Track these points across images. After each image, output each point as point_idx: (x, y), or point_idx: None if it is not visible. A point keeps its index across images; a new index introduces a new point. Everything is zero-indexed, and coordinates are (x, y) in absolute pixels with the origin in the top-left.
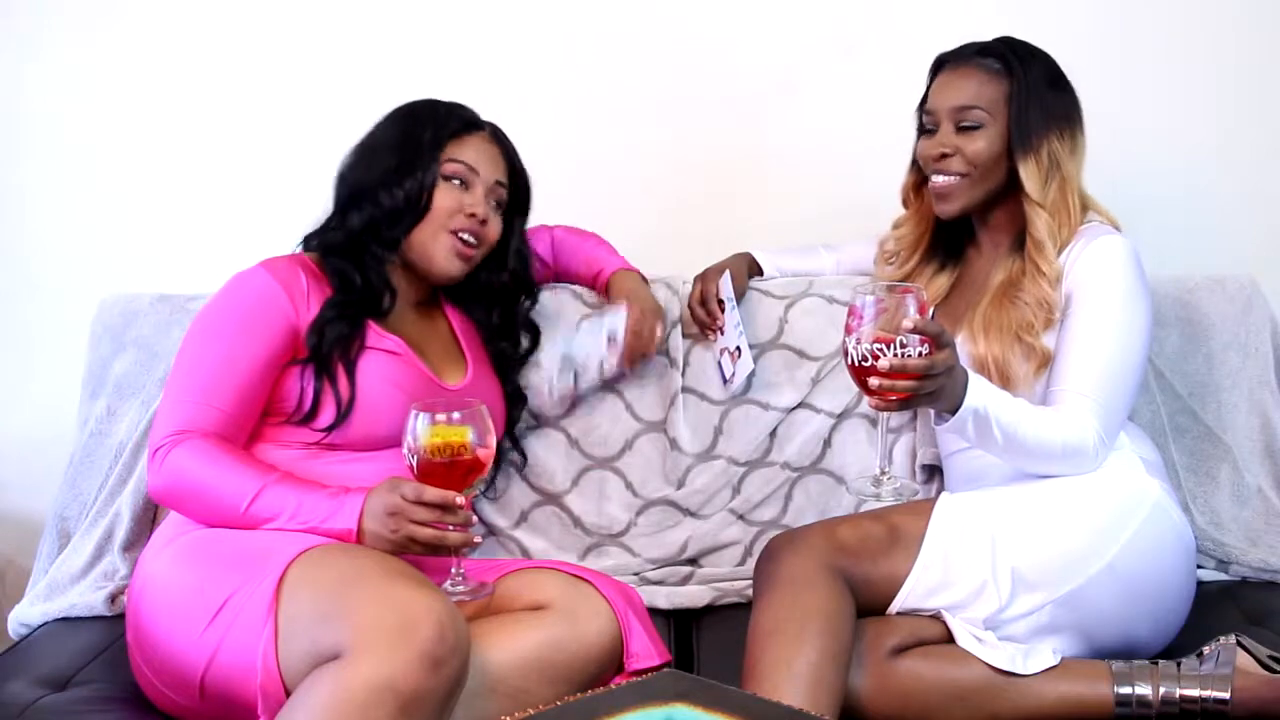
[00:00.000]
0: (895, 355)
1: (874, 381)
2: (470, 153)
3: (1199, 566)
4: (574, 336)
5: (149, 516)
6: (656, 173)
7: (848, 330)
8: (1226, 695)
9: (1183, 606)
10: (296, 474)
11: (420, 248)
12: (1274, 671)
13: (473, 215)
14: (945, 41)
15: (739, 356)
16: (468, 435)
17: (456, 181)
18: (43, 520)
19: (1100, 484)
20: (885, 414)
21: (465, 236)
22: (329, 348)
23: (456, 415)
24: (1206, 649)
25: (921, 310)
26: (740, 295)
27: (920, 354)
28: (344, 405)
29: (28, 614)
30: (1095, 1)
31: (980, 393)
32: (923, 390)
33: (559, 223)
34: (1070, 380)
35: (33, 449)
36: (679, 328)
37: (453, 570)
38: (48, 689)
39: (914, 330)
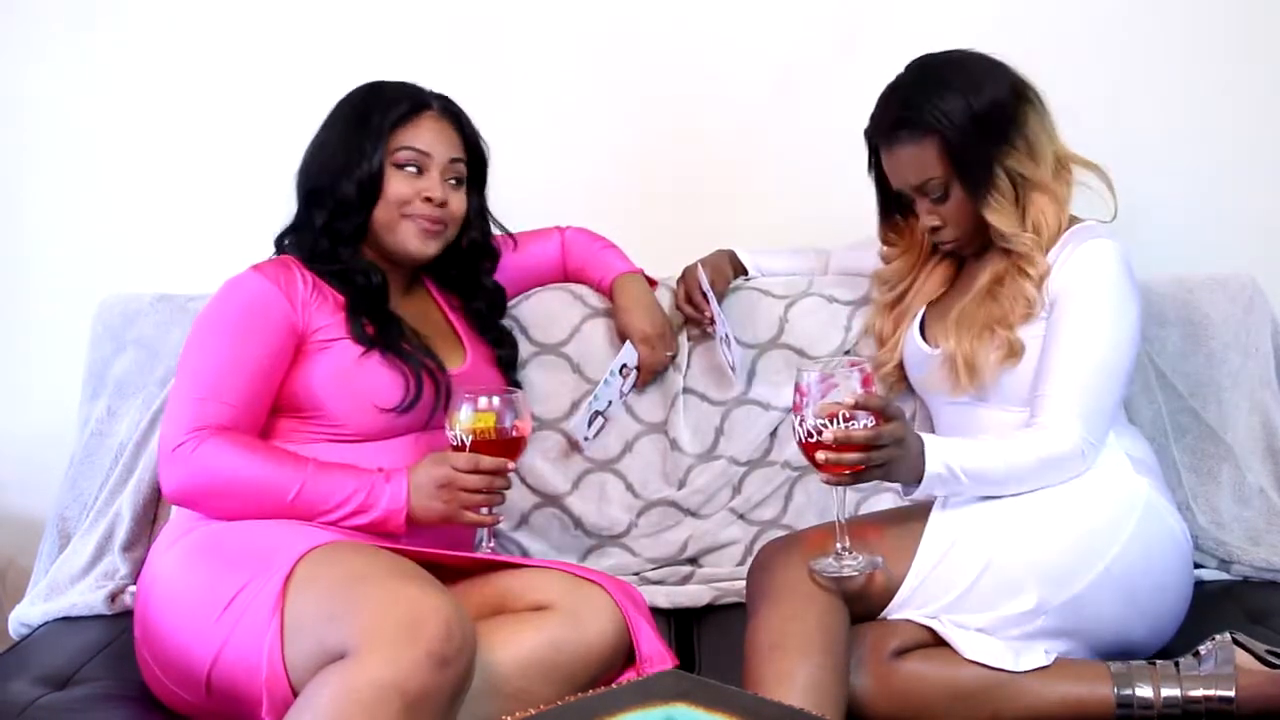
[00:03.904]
0: (839, 427)
1: (821, 455)
2: (422, 136)
3: (1200, 566)
4: (594, 391)
5: (149, 516)
6: (654, 172)
7: (795, 409)
8: (1232, 693)
9: (1180, 607)
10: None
11: (386, 234)
12: (1274, 666)
13: (429, 199)
14: (944, 41)
15: (731, 344)
16: (509, 418)
17: (410, 169)
18: (43, 520)
19: (1090, 488)
20: (841, 490)
21: (423, 224)
22: (394, 337)
23: (497, 401)
24: (1203, 648)
25: (866, 384)
26: (721, 292)
27: (865, 425)
28: (414, 386)
29: (28, 614)
30: (1094, 1)
31: (939, 454)
32: (872, 461)
33: (557, 223)
34: (1054, 385)
35: (33, 449)
36: (684, 331)
37: (482, 539)
38: (48, 688)
39: (856, 406)
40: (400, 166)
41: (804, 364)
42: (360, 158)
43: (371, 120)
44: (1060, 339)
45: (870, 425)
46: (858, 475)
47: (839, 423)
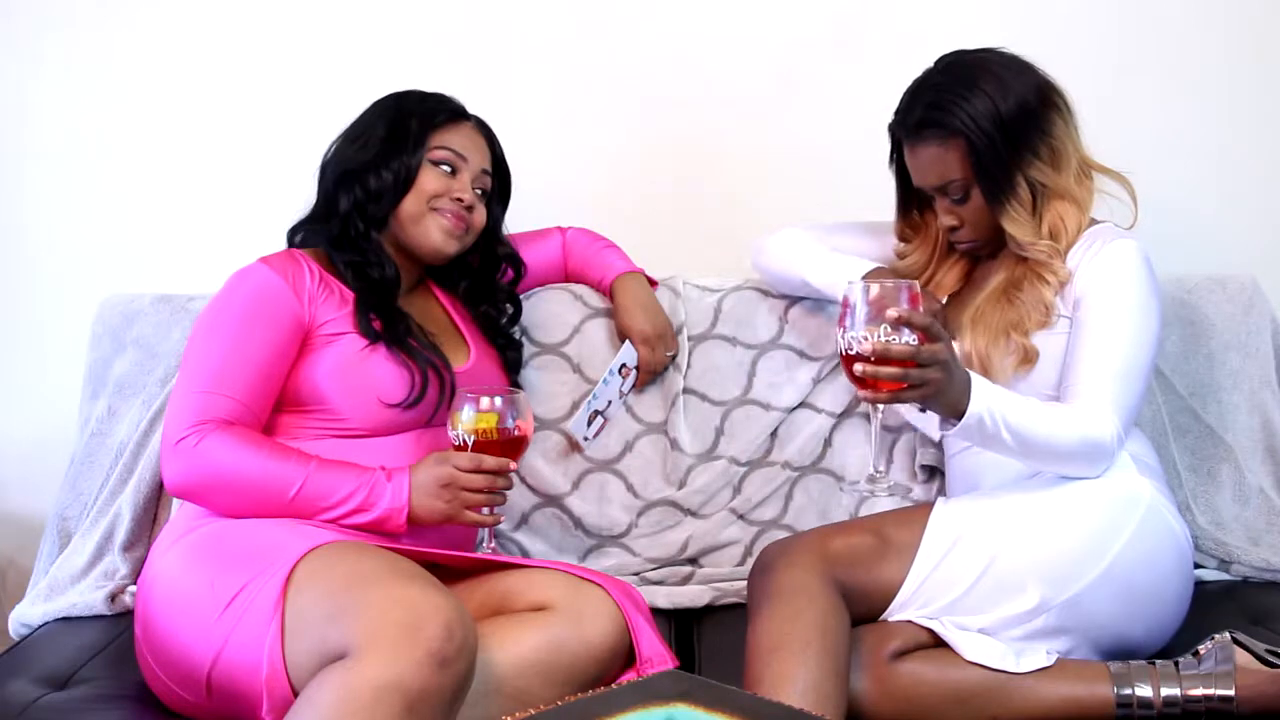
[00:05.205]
0: (879, 340)
1: (859, 368)
2: (458, 140)
3: (1200, 566)
4: (593, 391)
5: (149, 516)
6: (655, 173)
7: (840, 321)
8: (1232, 693)
9: (1179, 607)
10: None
11: (411, 225)
12: (1274, 666)
13: (459, 200)
14: (945, 41)
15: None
16: (511, 418)
17: (445, 167)
18: (43, 520)
19: (1093, 487)
20: (877, 411)
21: (450, 220)
22: (401, 333)
23: (499, 401)
24: (1202, 648)
25: (913, 302)
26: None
27: (907, 343)
28: (419, 381)
29: (28, 614)
30: (1095, 1)
31: (985, 397)
32: (910, 379)
33: (558, 223)
34: (1086, 376)
35: (33, 449)
36: (684, 331)
37: (483, 539)
38: (48, 688)
39: (899, 321)
40: (436, 164)
41: (852, 279)
42: (399, 151)
43: (412, 120)
44: (1090, 334)
45: (913, 343)
46: (895, 394)
47: (881, 336)
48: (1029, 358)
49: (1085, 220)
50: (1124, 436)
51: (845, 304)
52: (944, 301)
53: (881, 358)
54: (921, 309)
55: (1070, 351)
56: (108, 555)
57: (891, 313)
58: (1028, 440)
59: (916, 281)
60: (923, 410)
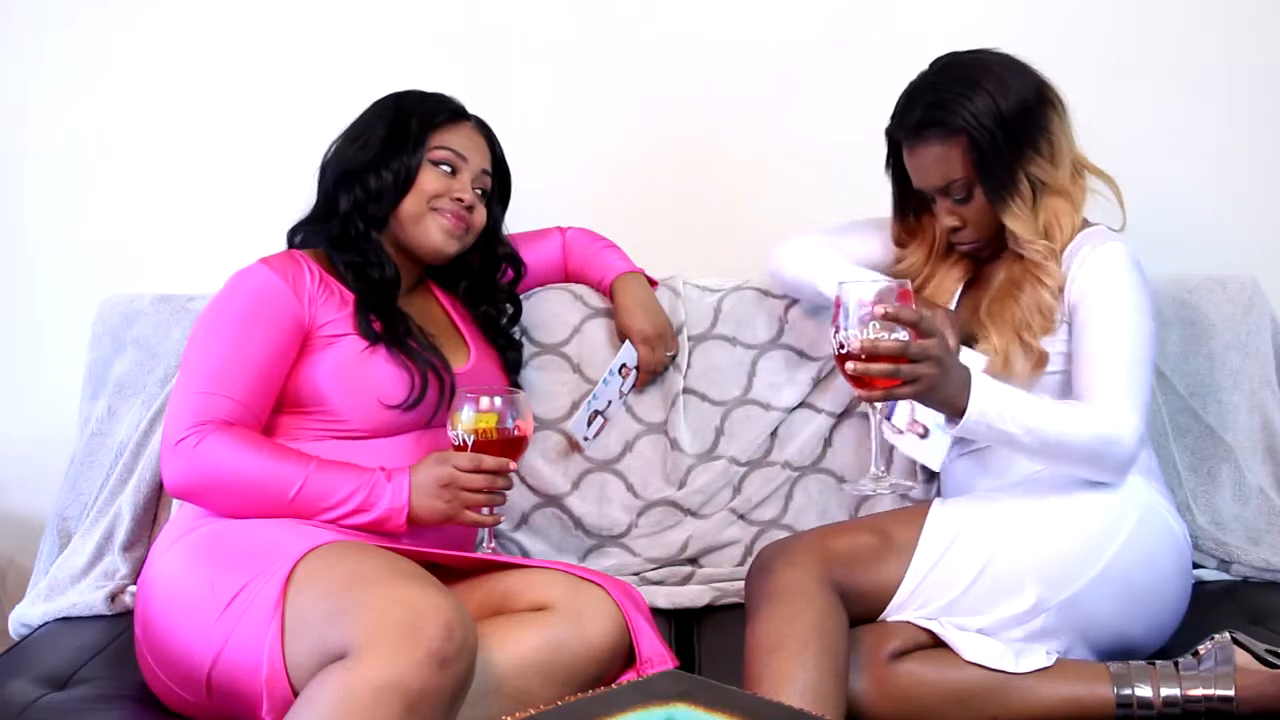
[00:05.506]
0: (868, 337)
1: (850, 365)
2: (458, 140)
3: (1199, 566)
4: (593, 391)
5: (149, 516)
6: (655, 173)
7: (833, 320)
8: (1231, 693)
9: (1178, 607)
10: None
11: (411, 225)
12: (1274, 666)
13: (459, 200)
14: (945, 41)
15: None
16: (511, 418)
17: (445, 167)
18: (43, 520)
19: (1092, 487)
20: (876, 410)
21: (450, 220)
22: (401, 334)
23: (499, 401)
24: (1202, 648)
25: (903, 299)
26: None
27: (897, 339)
28: (419, 383)
29: (28, 614)
30: (1095, 1)
31: (986, 396)
32: (902, 375)
33: (558, 224)
34: (1099, 375)
35: (33, 449)
36: (684, 331)
37: (483, 539)
38: (48, 688)
39: (887, 318)
40: (436, 164)
41: (843, 280)
42: (399, 151)
43: (412, 120)
44: (1092, 337)
45: (903, 339)
46: (889, 391)
47: (870, 333)
48: (1041, 361)
49: (1078, 219)
50: (1144, 433)
51: (837, 304)
52: (953, 307)
53: (871, 354)
54: (913, 306)
55: (1075, 357)
56: (108, 555)
57: (879, 309)
58: (1043, 437)
59: (908, 280)
60: (914, 432)
